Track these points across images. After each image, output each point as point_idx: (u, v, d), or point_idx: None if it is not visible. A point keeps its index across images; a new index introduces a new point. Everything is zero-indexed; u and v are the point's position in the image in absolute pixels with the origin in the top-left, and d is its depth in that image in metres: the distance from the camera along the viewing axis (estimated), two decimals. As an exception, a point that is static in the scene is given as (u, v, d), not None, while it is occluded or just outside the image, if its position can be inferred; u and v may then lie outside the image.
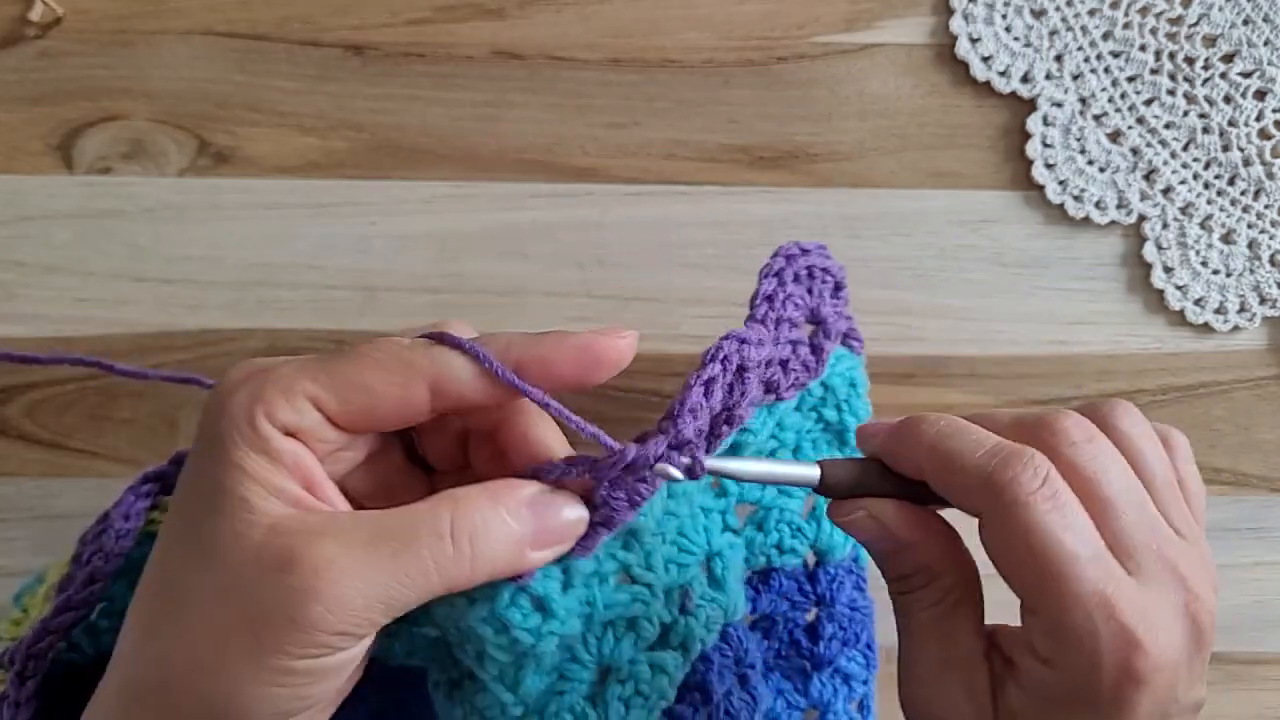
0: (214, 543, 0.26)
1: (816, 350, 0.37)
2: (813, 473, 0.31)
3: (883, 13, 0.46)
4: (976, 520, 0.28)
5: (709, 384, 0.30)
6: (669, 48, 0.46)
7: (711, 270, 0.46)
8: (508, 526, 0.27)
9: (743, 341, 0.31)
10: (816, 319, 0.37)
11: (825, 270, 0.37)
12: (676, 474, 0.28)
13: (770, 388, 0.35)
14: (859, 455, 0.33)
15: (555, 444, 0.30)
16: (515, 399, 0.29)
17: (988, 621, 0.31)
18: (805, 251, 0.37)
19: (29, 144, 0.45)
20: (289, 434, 0.27)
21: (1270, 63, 0.46)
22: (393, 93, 0.46)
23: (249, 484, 0.26)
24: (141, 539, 0.33)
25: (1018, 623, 0.29)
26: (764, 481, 0.31)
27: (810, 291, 0.37)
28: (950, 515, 0.31)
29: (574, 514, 0.29)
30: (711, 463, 0.29)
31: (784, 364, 0.35)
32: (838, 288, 0.38)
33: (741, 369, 0.31)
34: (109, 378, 0.45)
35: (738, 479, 0.30)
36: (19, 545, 0.45)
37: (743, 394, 0.30)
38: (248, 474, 0.26)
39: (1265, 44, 0.46)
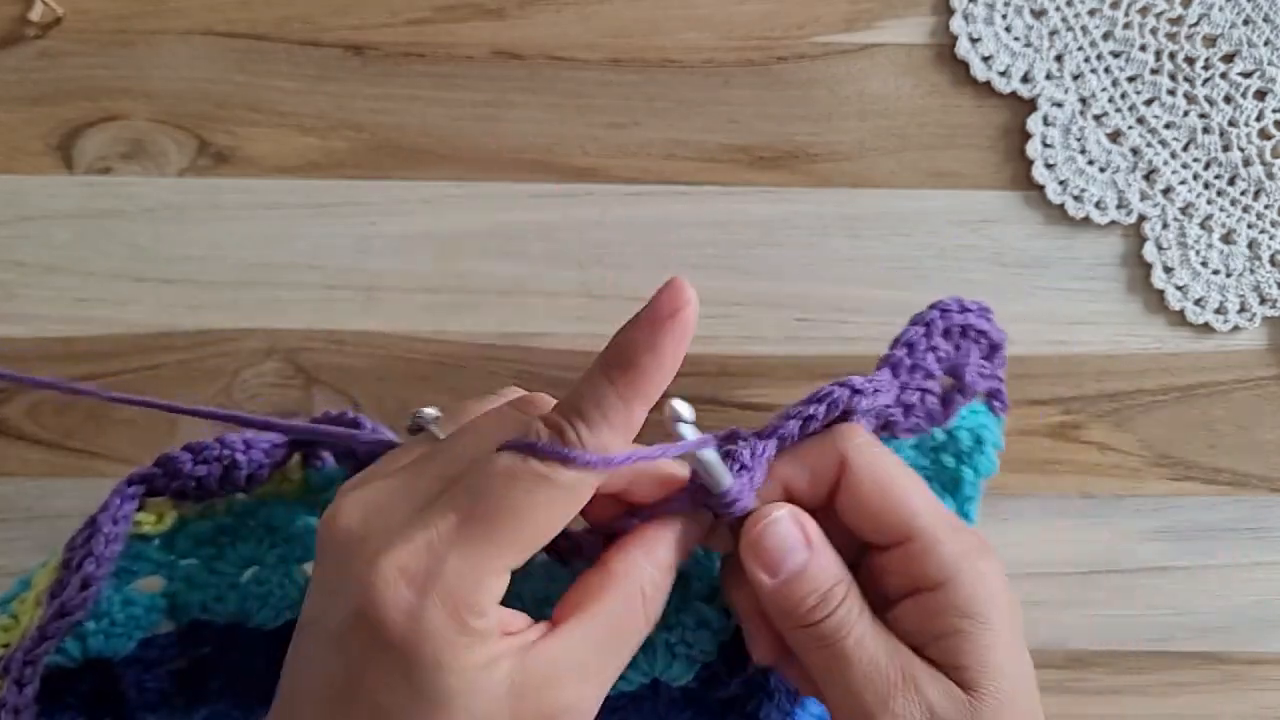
0: None
1: (946, 403, 0.36)
2: (710, 453, 0.30)
3: (883, 13, 0.46)
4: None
5: (806, 421, 0.31)
6: (669, 48, 0.46)
7: (711, 270, 0.46)
8: (666, 580, 0.31)
9: (855, 391, 0.31)
10: (955, 374, 0.37)
11: (981, 332, 0.37)
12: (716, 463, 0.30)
13: (886, 425, 0.35)
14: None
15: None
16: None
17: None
18: (965, 310, 0.36)
19: (29, 144, 0.45)
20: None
21: (1270, 63, 0.46)
22: (393, 93, 0.46)
23: (472, 673, 0.26)
24: (129, 543, 0.33)
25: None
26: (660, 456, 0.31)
27: (958, 349, 0.36)
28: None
29: (692, 533, 0.32)
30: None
31: (907, 407, 0.35)
32: (993, 349, 0.37)
33: (847, 414, 0.32)
34: (109, 378, 0.45)
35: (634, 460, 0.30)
36: (19, 545, 0.45)
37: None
38: (471, 666, 0.26)
39: (1265, 44, 0.46)
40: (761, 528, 0.30)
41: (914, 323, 0.36)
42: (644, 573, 0.30)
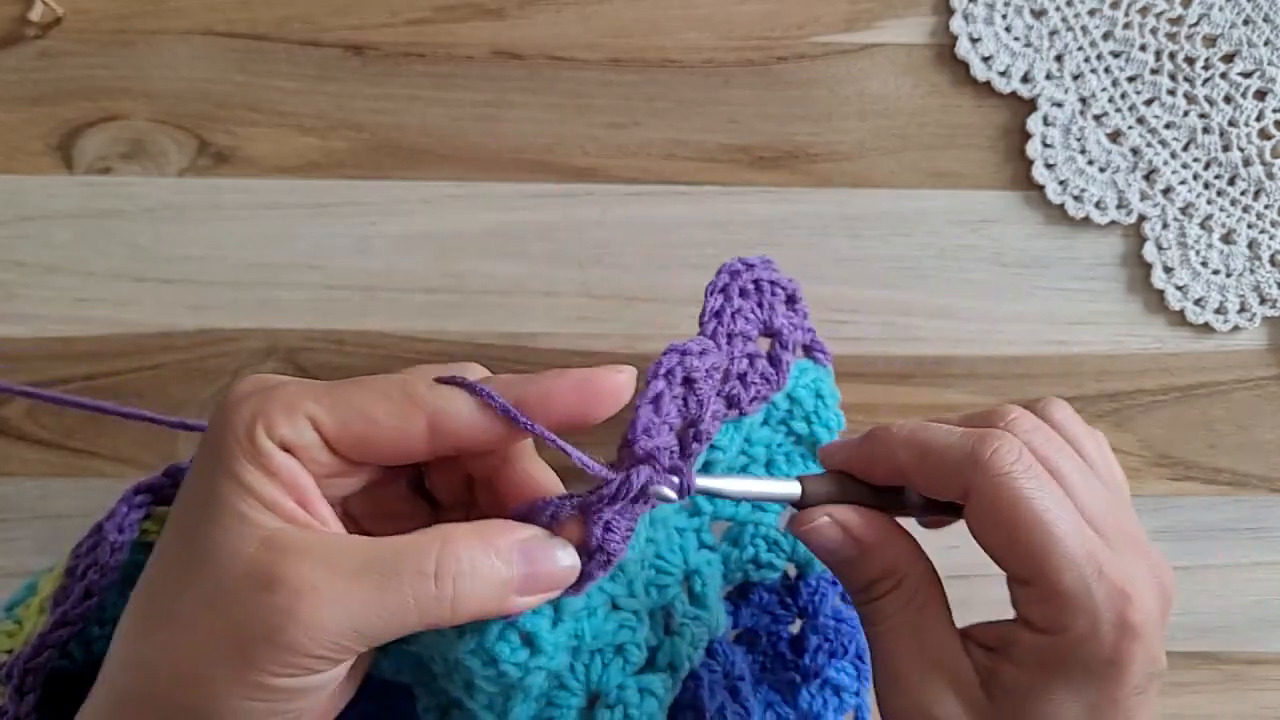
0: (206, 553, 0.26)
1: (775, 362, 0.36)
2: (794, 489, 0.31)
3: (883, 13, 0.46)
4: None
5: (656, 399, 0.29)
6: (669, 48, 0.46)
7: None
8: (495, 570, 0.27)
9: (683, 353, 0.30)
10: (771, 331, 0.37)
11: (774, 283, 0.37)
12: (670, 494, 0.28)
13: (732, 402, 0.35)
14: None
15: (553, 487, 0.30)
16: (514, 440, 0.29)
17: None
18: (750, 266, 0.36)
19: (29, 144, 0.45)
20: (286, 449, 0.27)
21: (1270, 63, 0.46)
22: (393, 93, 0.46)
23: (244, 496, 0.26)
24: (135, 550, 0.33)
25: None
26: (748, 499, 0.32)
27: (760, 305, 0.36)
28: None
29: (567, 561, 0.28)
30: (701, 482, 0.29)
31: (742, 377, 0.35)
32: (791, 300, 0.38)
33: (689, 380, 0.30)
34: (109, 378, 0.45)
35: (724, 497, 0.31)
36: (19, 545, 0.45)
37: (700, 405, 0.30)
38: (244, 486, 0.26)
39: (1265, 44, 0.46)
40: (802, 532, 0.31)
41: (710, 291, 0.35)
42: (463, 538, 0.27)
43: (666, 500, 0.28)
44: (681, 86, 0.46)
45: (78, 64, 0.45)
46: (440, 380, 0.28)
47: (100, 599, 0.32)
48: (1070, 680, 0.28)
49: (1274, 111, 0.46)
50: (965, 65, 0.46)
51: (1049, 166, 0.46)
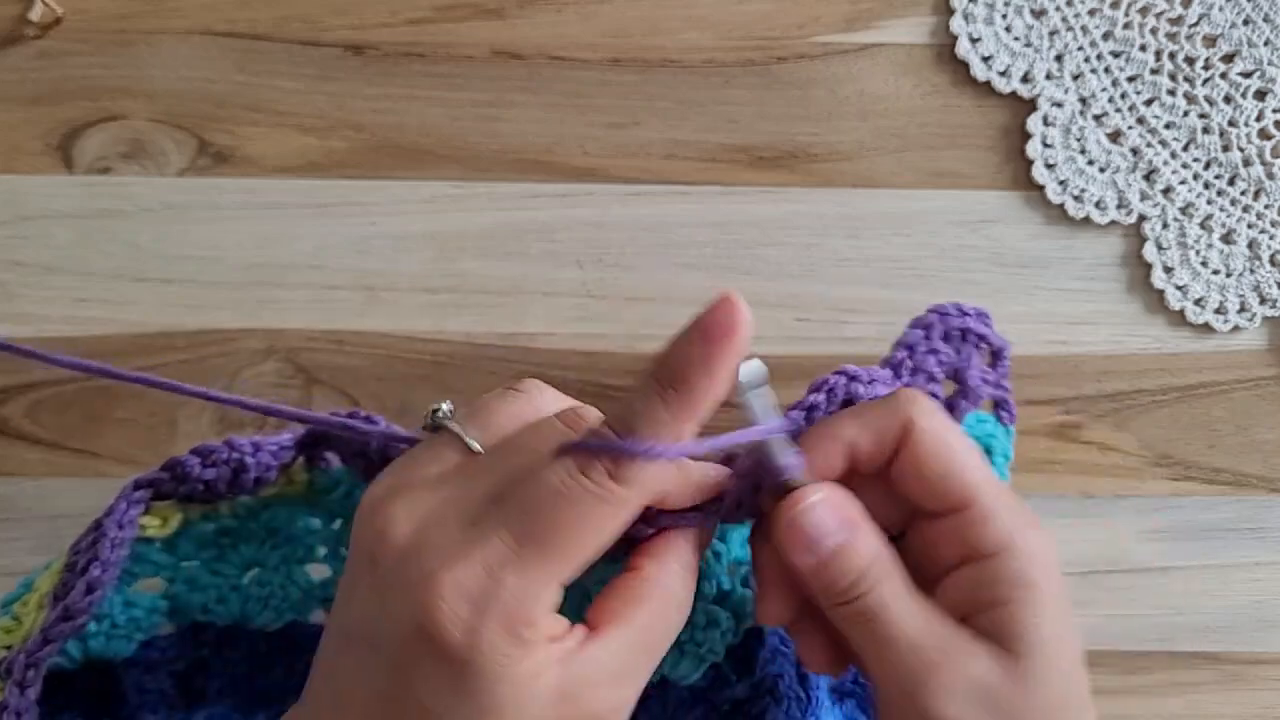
0: None
1: (951, 409, 0.36)
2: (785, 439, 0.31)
3: (883, 13, 0.46)
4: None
5: (810, 410, 0.31)
6: (669, 48, 0.46)
7: (711, 270, 0.46)
8: (696, 574, 0.31)
9: (851, 377, 0.31)
10: (958, 379, 0.37)
11: (982, 337, 0.37)
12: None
13: None
14: None
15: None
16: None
17: None
18: (964, 314, 0.36)
19: (29, 144, 0.45)
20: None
21: (1270, 63, 0.46)
22: (393, 93, 0.46)
23: (525, 682, 0.27)
24: (132, 546, 0.33)
25: None
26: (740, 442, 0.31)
27: (959, 352, 0.36)
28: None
29: (709, 530, 0.32)
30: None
31: None
32: (997, 357, 0.38)
33: (848, 402, 0.31)
34: (109, 378, 0.45)
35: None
36: (19, 545, 0.45)
37: None
38: (525, 678, 0.27)
39: (1265, 44, 0.46)
40: (798, 511, 0.30)
41: (913, 326, 0.36)
42: (677, 577, 0.30)
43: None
44: (681, 86, 0.46)
45: (77, 64, 0.45)
46: (614, 452, 0.28)
47: (104, 595, 0.32)
48: (1040, 587, 0.29)
49: (1274, 111, 0.46)
50: (965, 65, 0.46)
51: (1049, 166, 0.46)
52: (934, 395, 0.36)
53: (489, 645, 0.26)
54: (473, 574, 0.26)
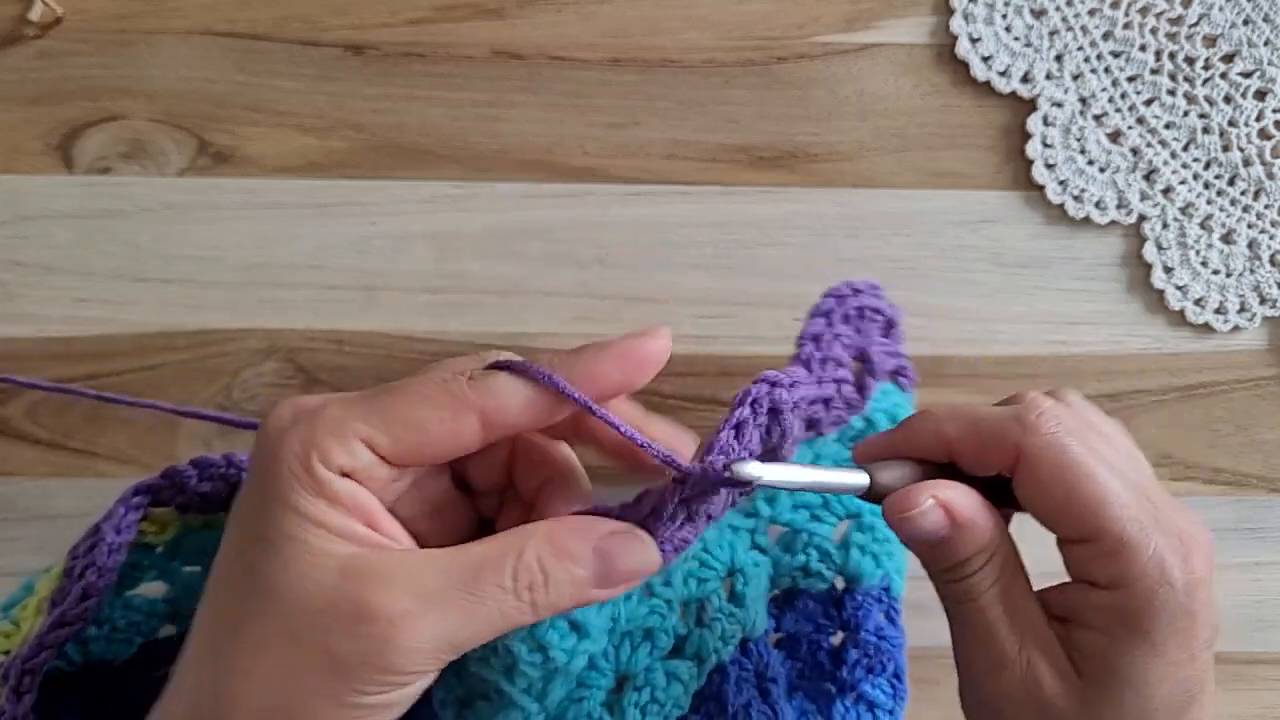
0: (280, 586, 0.26)
1: (861, 388, 0.37)
2: (861, 478, 0.30)
3: (883, 13, 0.46)
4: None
5: (739, 427, 0.29)
6: (669, 48, 0.46)
7: (711, 270, 0.46)
8: (572, 574, 0.28)
9: (773, 384, 0.30)
10: (863, 357, 0.37)
11: (876, 310, 0.38)
12: (753, 471, 0.28)
13: (811, 424, 0.36)
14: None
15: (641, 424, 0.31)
16: (563, 414, 0.29)
17: None
18: (857, 292, 0.37)
19: (29, 144, 0.45)
20: (345, 475, 0.27)
21: (1270, 63, 0.46)
22: (393, 93, 0.46)
23: (311, 528, 0.26)
24: (132, 551, 0.33)
25: None
26: (813, 490, 0.31)
27: (859, 331, 0.37)
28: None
29: (647, 557, 0.29)
30: (769, 476, 0.28)
31: (826, 402, 0.36)
32: (889, 326, 0.38)
33: (775, 411, 0.30)
34: (109, 378, 0.45)
35: (789, 489, 0.30)
36: (19, 545, 0.45)
37: (783, 435, 0.30)
38: (309, 518, 0.26)
39: (1265, 44, 0.45)
40: (901, 519, 0.30)
41: (814, 314, 0.36)
42: (537, 549, 0.27)
43: (741, 484, 0.28)
44: (681, 86, 0.46)
45: (77, 64, 0.45)
46: (491, 367, 0.28)
47: (100, 600, 0.32)
48: (1149, 636, 0.28)
49: (1274, 111, 0.46)
50: (965, 65, 0.46)
51: (1049, 166, 0.46)
52: (843, 380, 0.36)
53: (286, 455, 0.26)
54: (310, 400, 0.28)
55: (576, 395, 0.28)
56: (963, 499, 0.30)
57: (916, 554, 0.32)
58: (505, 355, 0.29)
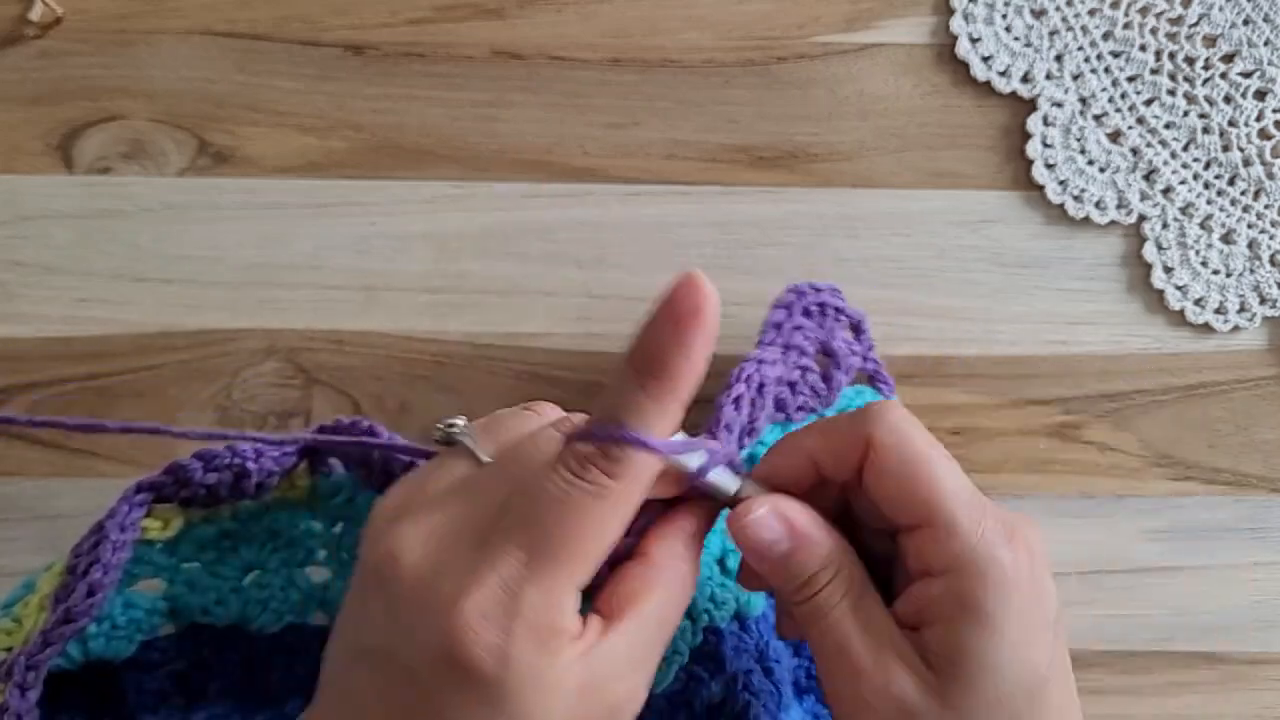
0: None
1: (826, 379, 0.39)
2: (732, 485, 0.32)
3: (883, 13, 0.46)
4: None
5: (738, 401, 0.33)
6: (669, 48, 0.46)
7: (711, 270, 0.45)
8: (696, 555, 0.32)
9: (761, 362, 0.35)
10: (828, 351, 0.40)
11: (839, 310, 0.40)
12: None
13: (779, 406, 0.38)
14: None
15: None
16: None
17: None
18: (817, 290, 0.40)
19: (29, 144, 0.45)
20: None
21: (1270, 63, 0.46)
22: (392, 93, 0.46)
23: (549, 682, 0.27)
24: (136, 547, 0.33)
25: None
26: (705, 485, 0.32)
27: (821, 326, 0.39)
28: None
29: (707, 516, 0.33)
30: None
31: (791, 385, 0.38)
32: (857, 330, 0.41)
33: (761, 385, 0.34)
34: (109, 378, 0.45)
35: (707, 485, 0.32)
36: (19, 545, 0.45)
37: (760, 408, 0.34)
38: (548, 690, 0.27)
39: (1265, 44, 0.45)
40: (740, 526, 0.31)
41: (775, 306, 0.39)
42: (683, 559, 0.31)
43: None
44: (681, 86, 0.46)
45: (77, 64, 0.45)
46: (603, 435, 0.28)
47: (105, 598, 0.32)
48: (989, 617, 0.29)
49: (1274, 111, 0.46)
50: (965, 65, 0.46)
51: (1049, 166, 0.46)
52: (806, 368, 0.39)
53: (519, 662, 0.26)
54: (492, 596, 0.27)
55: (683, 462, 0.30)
56: (800, 513, 0.31)
57: (765, 575, 0.32)
58: (548, 409, 0.31)
